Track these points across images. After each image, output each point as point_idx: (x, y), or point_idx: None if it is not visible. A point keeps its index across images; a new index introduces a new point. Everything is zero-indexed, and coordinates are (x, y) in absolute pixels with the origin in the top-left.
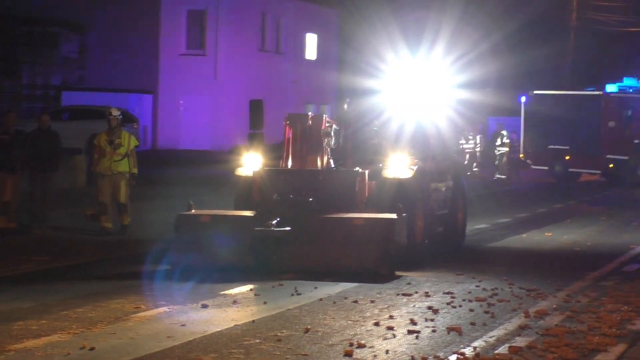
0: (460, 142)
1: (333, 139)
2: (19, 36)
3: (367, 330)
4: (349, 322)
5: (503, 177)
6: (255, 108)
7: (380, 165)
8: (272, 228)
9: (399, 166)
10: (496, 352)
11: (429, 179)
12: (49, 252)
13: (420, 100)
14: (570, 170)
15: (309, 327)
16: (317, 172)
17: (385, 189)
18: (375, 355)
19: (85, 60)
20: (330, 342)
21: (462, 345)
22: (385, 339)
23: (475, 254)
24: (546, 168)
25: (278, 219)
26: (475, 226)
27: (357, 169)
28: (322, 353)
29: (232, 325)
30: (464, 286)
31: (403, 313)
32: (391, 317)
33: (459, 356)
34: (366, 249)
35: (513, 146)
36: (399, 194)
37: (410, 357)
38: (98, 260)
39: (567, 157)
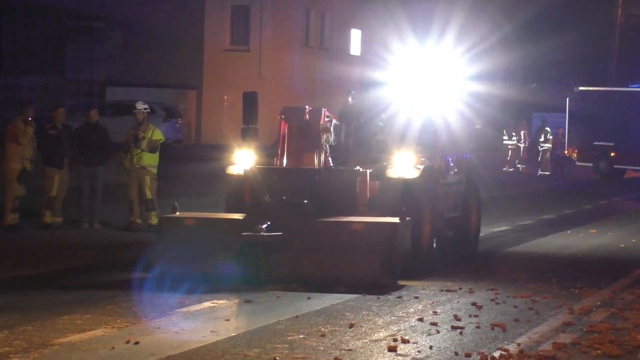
0: (503, 138)
1: (332, 135)
2: (65, 32)
3: (411, 326)
4: (393, 317)
5: (547, 173)
6: (249, 101)
7: (385, 164)
8: (262, 233)
9: (404, 165)
10: (540, 348)
11: (438, 178)
12: (95, 247)
13: (429, 93)
14: (615, 166)
15: (353, 322)
16: (314, 172)
17: (389, 190)
18: (419, 351)
19: (129, 56)
20: (374, 338)
21: (505, 342)
22: (429, 334)
23: (516, 250)
24: (591, 164)
25: (268, 223)
26: (519, 223)
27: (358, 168)
28: (366, 348)
29: (275, 320)
30: (505, 284)
31: (447, 309)
32: (435, 313)
33: (503, 352)
34: (366, 256)
35: (559, 142)
36: (404, 196)
37: (454, 353)
38: (144, 255)
39: (612, 154)
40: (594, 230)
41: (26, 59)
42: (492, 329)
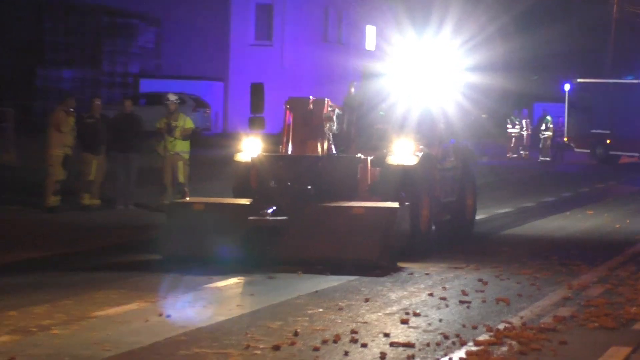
0: (507, 126)
1: (335, 123)
2: (101, 28)
3: (421, 301)
4: (405, 293)
5: (547, 159)
6: (256, 91)
7: (385, 151)
8: (267, 217)
9: (403, 152)
10: (541, 321)
11: (435, 165)
12: (129, 227)
13: (427, 83)
14: (610, 152)
15: (368, 297)
16: (317, 159)
17: (389, 177)
18: (429, 324)
19: (160, 50)
20: (387, 311)
21: (509, 315)
22: (439, 308)
23: (518, 231)
24: (588, 151)
25: (274, 208)
26: (521, 205)
27: (359, 155)
28: (380, 321)
29: (296, 295)
30: (509, 262)
31: (455, 285)
32: (444, 288)
33: (507, 325)
34: (366, 239)
35: (558, 130)
36: (403, 182)
37: (461, 325)
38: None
39: (608, 141)
40: (591, 212)
41: (66, 53)
42: (497, 303)
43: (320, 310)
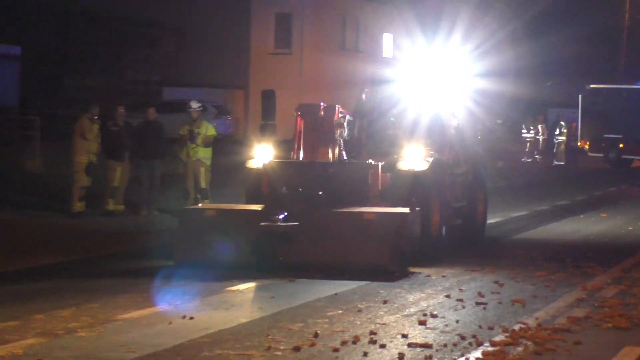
0: (522, 131)
1: (346, 130)
2: (125, 37)
3: (439, 302)
4: (423, 295)
5: (561, 163)
6: (267, 98)
7: (396, 157)
8: (279, 223)
9: (414, 158)
10: (556, 322)
11: (446, 170)
12: (153, 232)
13: (438, 89)
14: (623, 156)
15: (386, 299)
16: (328, 165)
17: (400, 182)
18: (446, 325)
19: (182, 59)
20: (405, 313)
21: (525, 316)
22: (456, 310)
23: (533, 233)
24: (601, 155)
25: (285, 214)
26: (536, 208)
27: (370, 161)
28: (398, 322)
29: (316, 298)
30: (524, 264)
31: (471, 287)
32: (461, 290)
33: (522, 325)
34: (377, 244)
35: (572, 135)
36: (414, 187)
37: (478, 326)
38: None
39: (620, 145)
40: (605, 215)
41: (90, 62)
42: (513, 304)
43: (340, 312)
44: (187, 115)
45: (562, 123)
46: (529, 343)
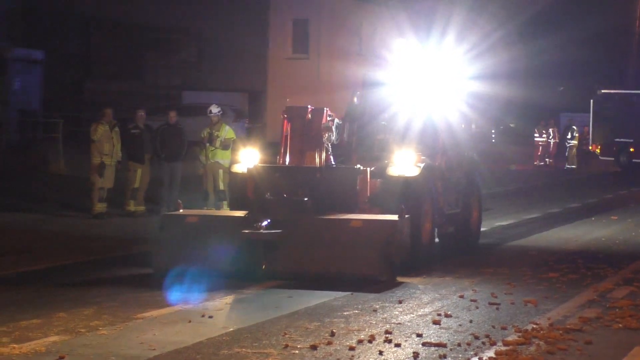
0: (534, 135)
1: (334, 133)
2: (146, 42)
3: (453, 303)
4: (437, 295)
5: (573, 167)
6: (256, 101)
7: (386, 162)
8: (262, 230)
9: (404, 163)
10: (568, 322)
11: (438, 176)
12: None
13: (430, 92)
14: (633, 160)
15: (402, 299)
16: (315, 170)
17: (390, 188)
18: (460, 324)
19: (202, 64)
20: (420, 313)
21: (537, 316)
22: (469, 310)
23: (546, 235)
24: (612, 159)
25: (269, 221)
26: (548, 211)
27: (358, 166)
28: (413, 322)
29: (332, 297)
30: (536, 265)
31: (484, 288)
32: (474, 291)
33: (535, 325)
34: (365, 253)
35: (583, 139)
36: (404, 194)
37: (491, 326)
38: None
39: (631, 149)
40: (615, 217)
41: (112, 67)
42: (525, 304)
43: (356, 311)
44: (207, 118)
45: (574, 127)
46: (541, 343)
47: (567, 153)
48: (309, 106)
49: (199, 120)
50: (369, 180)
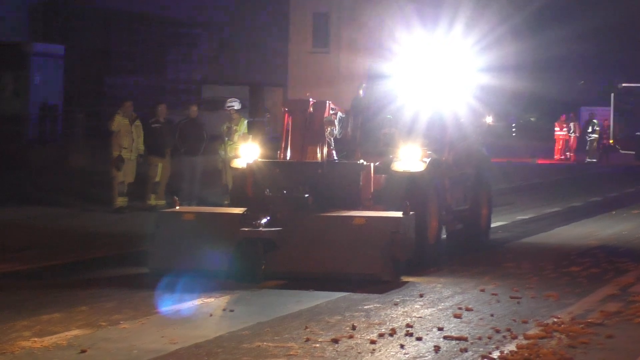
0: (555, 129)
1: (337, 127)
2: (166, 37)
3: (473, 297)
4: (458, 289)
5: (594, 160)
6: (256, 95)
7: (391, 157)
8: (261, 228)
9: (410, 158)
10: (589, 316)
11: (445, 172)
12: None
13: (438, 85)
14: None
15: (423, 293)
16: (317, 165)
17: (395, 184)
18: (481, 318)
19: (222, 58)
20: (441, 307)
21: (558, 310)
22: (490, 304)
23: (567, 229)
24: (633, 152)
25: (268, 218)
26: (569, 205)
27: (362, 161)
28: (434, 316)
29: (353, 291)
30: (558, 259)
31: (506, 282)
32: (495, 285)
33: (556, 319)
34: (368, 252)
35: (604, 133)
36: (409, 190)
37: (512, 320)
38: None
39: None
40: (636, 211)
41: (132, 61)
42: (547, 298)
43: (377, 305)
44: (227, 113)
45: (594, 121)
46: (563, 336)
47: (587, 147)
48: (311, 99)
49: (219, 114)
50: (372, 176)
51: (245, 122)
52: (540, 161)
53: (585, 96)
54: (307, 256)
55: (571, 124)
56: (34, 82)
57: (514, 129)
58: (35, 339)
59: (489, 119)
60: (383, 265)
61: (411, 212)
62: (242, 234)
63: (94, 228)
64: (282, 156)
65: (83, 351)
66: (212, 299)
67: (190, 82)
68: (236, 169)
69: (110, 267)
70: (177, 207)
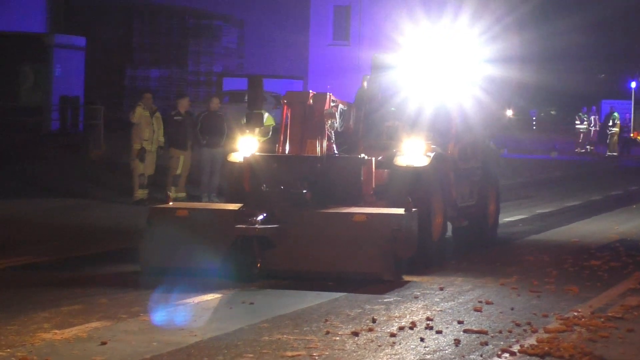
0: (576, 122)
1: (337, 120)
2: (187, 29)
3: (494, 290)
4: (478, 282)
5: (614, 154)
6: (255, 86)
7: (395, 151)
8: (256, 225)
9: (413, 153)
10: (609, 310)
11: (450, 166)
12: None
13: (443, 76)
14: None
15: (443, 287)
16: (316, 159)
17: (398, 179)
18: (501, 312)
19: (243, 50)
20: (461, 300)
21: (579, 304)
22: (510, 297)
23: (586, 222)
24: None
25: (264, 215)
26: (589, 199)
27: (363, 155)
28: (454, 309)
29: (373, 284)
30: (578, 253)
31: (526, 275)
32: (515, 279)
33: (576, 313)
34: (368, 250)
35: (625, 126)
36: (413, 185)
37: (532, 314)
38: None
39: None
40: None
41: (153, 54)
42: (566, 292)
43: (397, 298)
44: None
45: (615, 114)
46: (583, 330)
47: (608, 140)
48: (310, 91)
49: (240, 106)
50: (374, 170)
51: (267, 114)
52: (559, 155)
53: (606, 89)
54: (305, 254)
55: (592, 118)
56: (55, 73)
57: (534, 122)
58: (56, 331)
59: (509, 112)
60: (384, 264)
61: (414, 209)
62: (236, 232)
63: (113, 220)
64: (280, 150)
65: (103, 343)
66: (232, 292)
67: (210, 74)
68: (233, 163)
69: (129, 259)
70: (171, 203)
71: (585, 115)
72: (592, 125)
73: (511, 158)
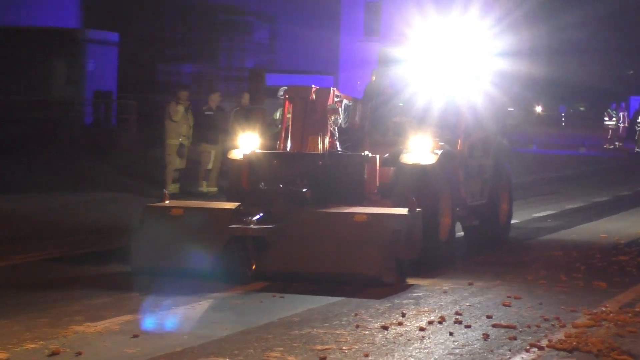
0: (604, 119)
1: (341, 116)
2: (219, 24)
3: (523, 285)
4: (507, 277)
5: None
6: (255, 80)
7: (401, 148)
8: (251, 225)
9: (420, 150)
10: (637, 305)
11: (459, 164)
12: None
13: (453, 72)
14: None
15: (472, 281)
16: (317, 157)
17: (404, 178)
18: (530, 307)
19: (274, 46)
20: (490, 295)
21: (606, 299)
22: (538, 293)
23: (614, 218)
24: None
25: (261, 214)
26: (617, 194)
27: (367, 152)
28: (483, 304)
29: (402, 279)
30: (606, 249)
31: (553, 271)
32: (543, 273)
33: (604, 308)
34: (369, 251)
35: None
36: (419, 184)
37: (560, 309)
38: None
39: None
40: None
41: (185, 49)
42: (594, 287)
43: (426, 293)
44: (279, 101)
45: None
46: (611, 325)
47: (636, 136)
48: (313, 86)
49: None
50: (378, 168)
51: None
52: (587, 150)
53: (636, 85)
54: (302, 255)
55: (620, 114)
56: (88, 68)
57: (563, 118)
58: (88, 323)
59: (539, 108)
60: (384, 266)
61: (418, 209)
62: (231, 231)
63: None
64: (281, 147)
65: (135, 336)
66: (263, 285)
67: (242, 70)
68: (232, 160)
69: None
70: (167, 202)
71: (614, 112)
72: (620, 121)
73: (539, 154)
